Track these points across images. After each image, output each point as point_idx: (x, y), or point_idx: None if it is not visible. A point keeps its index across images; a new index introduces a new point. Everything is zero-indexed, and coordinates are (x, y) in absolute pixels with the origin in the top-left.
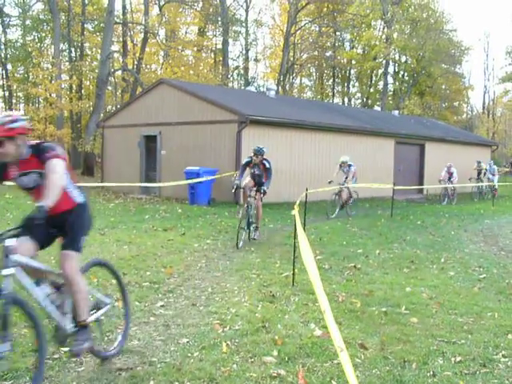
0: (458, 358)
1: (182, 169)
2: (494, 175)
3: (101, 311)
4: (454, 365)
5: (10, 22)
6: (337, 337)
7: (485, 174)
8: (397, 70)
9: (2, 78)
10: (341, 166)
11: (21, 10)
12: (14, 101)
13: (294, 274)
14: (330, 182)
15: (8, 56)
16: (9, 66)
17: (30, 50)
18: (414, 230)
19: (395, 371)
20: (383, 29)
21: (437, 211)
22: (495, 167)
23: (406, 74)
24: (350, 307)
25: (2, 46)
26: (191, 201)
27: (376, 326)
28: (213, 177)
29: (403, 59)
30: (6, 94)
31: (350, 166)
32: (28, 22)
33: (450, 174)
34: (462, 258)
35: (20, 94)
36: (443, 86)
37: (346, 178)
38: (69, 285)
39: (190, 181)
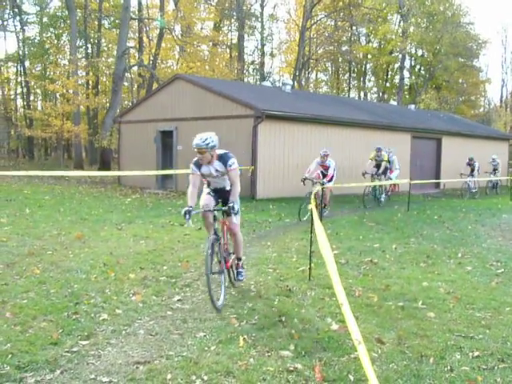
0: (476, 353)
1: None
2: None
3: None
4: (471, 360)
5: (28, 20)
6: (354, 330)
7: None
8: (413, 64)
9: (20, 74)
10: (468, 163)
11: (38, 8)
12: (31, 97)
13: (310, 268)
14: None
15: (26, 53)
16: (27, 63)
17: (47, 46)
18: (431, 225)
19: (412, 366)
20: (399, 22)
21: (454, 206)
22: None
23: (422, 68)
24: (366, 302)
25: (21, 44)
26: None
27: (393, 320)
28: None
29: (419, 53)
30: (24, 90)
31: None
32: (45, 19)
33: (472, 168)
34: (479, 252)
35: (38, 91)
36: (460, 80)
37: (473, 171)
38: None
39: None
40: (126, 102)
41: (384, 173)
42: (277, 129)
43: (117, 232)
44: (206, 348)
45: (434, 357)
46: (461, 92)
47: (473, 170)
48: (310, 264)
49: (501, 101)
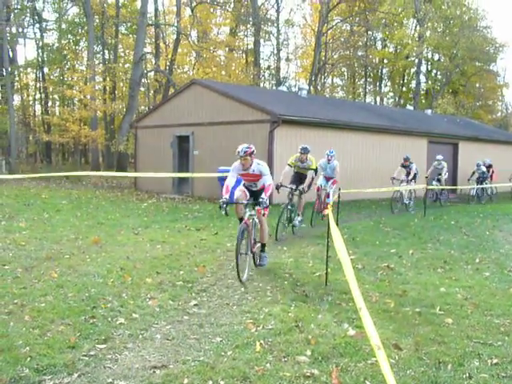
0: (495, 360)
1: (214, 169)
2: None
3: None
4: (490, 367)
5: (47, 27)
6: (373, 334)
7: None
8: (429, 69)
9: (39, 80)
10: (403, 164)
11: (57, 15)
12: (49, 103)
13: (327, 273)
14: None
15: (45, 59)
16: (45, 69)
17: (65, 52)
18: (448, 230)
19: (430, 372)
20: (415, 27)
21: (471, 211)
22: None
23: (438, 73)
24: (383, 307)
25: (40, 50)
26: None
27: (410, 326)
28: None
29: (436, 57)
30: (43, 96)
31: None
32: (64, 25)
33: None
34: (497, 258)
35: (56, 96)
36: (477, 85)
37: (409, 174)
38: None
39: (220, 174)
40: (142, 107)
41: (413, 179)
42: (293, 133)
43: (133, 236)
44: (223, 353)
45: (452, 363)
46: (478, 97)
47: (408, 174)
48: (326, 269)
49: None
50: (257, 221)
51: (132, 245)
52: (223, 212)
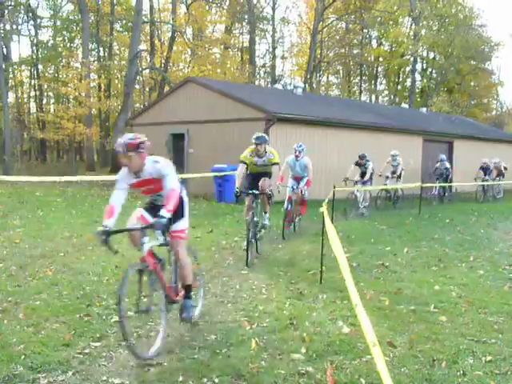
0: (489, 358)
1: (209, 167)
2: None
3: None
4: (484, 364)
5: (42, 24)
6: (369, 331)
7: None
8: (425, 67)
9: (34, 77)
10: (358, 162)
11: (52, 12)
12: (44, 100)
13: (321, 271)
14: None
15: (39, 56)
16: (40, 66)
17: (60, 50)
18: (443, 228)
19: (424, 370)
20: (411, 25)
21: (465, 209)
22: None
23: (434, 71)
24: (378, 305)
25: (34, 47)
26: (219, 198)
27: (404, 324)
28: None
29: (431, 56)
30: (37, 93)
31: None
32: (58, 22)
33: (486, 171)
34: (491, 256)
35: (50, 94)
36: (472, 83)
37: (364, 174)
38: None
39: (211, 174)
40: (137, 105)
41: (370, 180)
42: (288, 131)
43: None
44: (218, 350)
45: (447, 361)
46: (473, 95)
47: (364, 174)
48: (321, 267)
49: None
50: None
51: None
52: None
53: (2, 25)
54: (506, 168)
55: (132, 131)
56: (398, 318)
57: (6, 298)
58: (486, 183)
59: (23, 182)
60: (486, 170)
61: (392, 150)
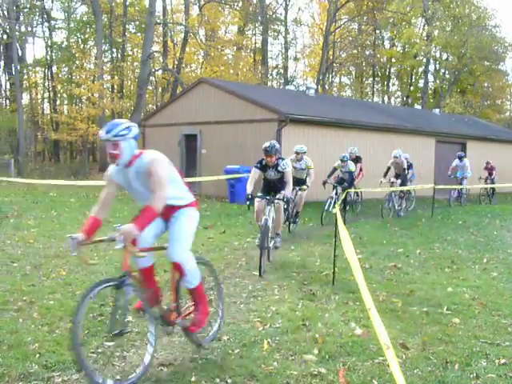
0: (503, 361)
1: (222, 167)
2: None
3: None
4: (497, 367)
5: (56, 26)
6: (383, 334)
7: None
8: (438, 68)
9: (48, 79)
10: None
11: (66, 14)
12: (58, 101)
13: (334, 272)
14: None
15: (53, 58)
16: (54, 68)
17: (73, 51)
18: (456, 230)
19: (437, 372)
20: (424, 26)
21: (478, 211)
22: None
23: (447, 72)
24: (390, 307)
25: (48, 49)
26: (231, 199)
27: (417, 326)
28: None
29: (444, 57)
30: (51, 94)
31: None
32: (72, 24)
33: (490, 172)
34: (505, 258)
35: (64, 95)
36: (485, 84)
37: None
38: None
39: (229, 176)
40: (150, 106)
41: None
42: (301, 133)
43: None
44: (230, 351)
45: (460, 363)
46: (486, 96)
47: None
48: (333, 268)
49: None
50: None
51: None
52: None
53: (17, 27)
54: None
55: (145, 132)
56: (410, 320)
57: (21, 297)
58: (489, 185)
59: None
60: (490, 170)
61: (347, 152)
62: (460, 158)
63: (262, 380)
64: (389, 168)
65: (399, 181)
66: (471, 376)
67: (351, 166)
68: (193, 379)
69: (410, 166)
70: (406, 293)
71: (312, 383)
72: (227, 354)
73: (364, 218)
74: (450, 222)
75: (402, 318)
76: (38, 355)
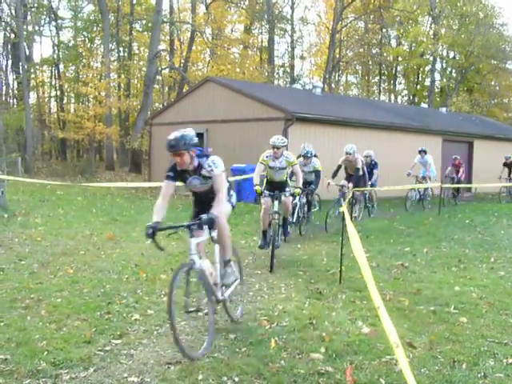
0: (510, 360)
1: (228, 166)
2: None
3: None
4: (505, 366)
5: (63, 25)
6: (392, 333)
7: None
8: (444, 67)
9: (55, 77)
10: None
11: (73, 13)
12: (65, 100)
13: (341, 271)
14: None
15: (60, 57)
16: (61, 67)
17: (80, 50)
18: (463, 229)
19: (445, 371)
20: (431, 25)
21: (486, 210)
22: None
23: (453, 71)
24: (397, 305)
25: (55, 48)
26: (237, 198)
27: (424, 324)
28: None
29: (451, 55)
30: (58, 93)
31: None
32: (79, 23)
33: (457, 169)
34: None
35: (71, 93)
36: (492, 82)
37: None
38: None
39: (235, 177)
40: (156, 104)
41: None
42: (307, 131)
43: None
44: (237, 349)
45: (467, 362)
46: (493, 94)
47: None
48: (340, 267)
49: None
50: None
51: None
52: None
53: (25, 26)
54: None
55: (151, 130)
56: (417, 319)
57: (29, 294)
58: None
59: (43, 179)
60: (457, 167)
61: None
62: (421, 153)
63: (269, 378)
64: (339, 166)
65: (351, 184)
66: (479, 375)
67: (317, 163)
68: (200, 377)
69: (374, 166)
70: (413, 292)
71: (319, 382)
72: (234, 352)
73: (371, 217)
74: (457, 220)
75: (409, 317)
76: (45, 352)
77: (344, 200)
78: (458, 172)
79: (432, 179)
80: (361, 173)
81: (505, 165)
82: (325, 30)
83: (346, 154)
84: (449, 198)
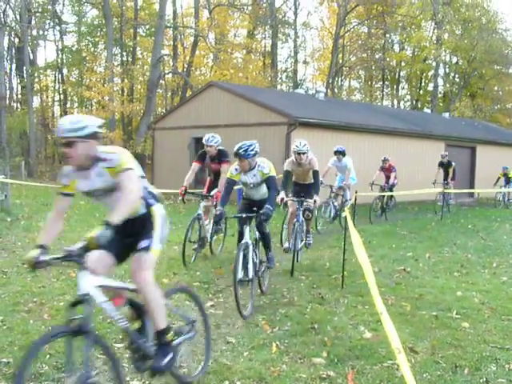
0: None
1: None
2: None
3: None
4: (508, 372)
5: (67, 29)
6: (395, 338)
7: None
8: (447, 72)
9: (58, 82)
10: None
11: (77, 17)
12: (68, 104)
13: (343, 276)
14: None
15: (64, 61)
16: (64, 71)
17: (84, 54)
18: (465, 234)
19: (446, 376)
20: (433, 30)
21: (488, 215)
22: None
23: (456, 76)
24: (399, 310)
25: (59, 52)
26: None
27: (426, 330)
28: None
29: (454, 60)
30: (62, 97)
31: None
32: (83, 28)
33: (387, 175)
34: None
35: (74, 98)
36: (495, 88)
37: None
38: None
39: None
40: (159, 109)
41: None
42: (310, 136)
43: None
44: (239, 354)
45: (469, 368)
46: (496, 100)
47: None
48: (342, 272)
49: None
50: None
51: None
52: None
53: (29, 31)
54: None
55: (154, 135)
56: (419, 324)
57: (32, 298)
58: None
59: (47, 183)
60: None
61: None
62: (337, 154)
63: (270, 382)
64: (288, 173)
65: (317, 198)
66: (481, 381)
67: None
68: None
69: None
70: (415, 297)
71: None
72: (236, 356)
73: (361, 223)
74: (460, 225)
75: (411, 322)
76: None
77: (334, 204)
78: (388, 177)
79: (351, 188)
80: (321, 177)
81: (440, 165)
82: (328, 35)
83: (298, 153)
84: (376, 212)
